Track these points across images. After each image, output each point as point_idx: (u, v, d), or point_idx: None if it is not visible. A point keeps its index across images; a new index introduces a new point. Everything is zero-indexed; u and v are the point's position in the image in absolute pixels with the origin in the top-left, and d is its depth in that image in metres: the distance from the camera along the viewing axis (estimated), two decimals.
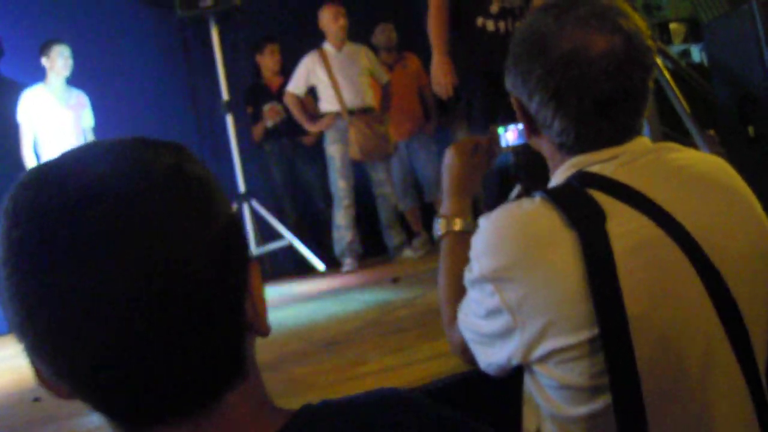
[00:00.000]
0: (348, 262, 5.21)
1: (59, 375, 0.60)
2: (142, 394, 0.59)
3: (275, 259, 5.77)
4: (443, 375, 1.79)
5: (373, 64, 5.47)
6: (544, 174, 1.42)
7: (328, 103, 5.29)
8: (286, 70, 5.61)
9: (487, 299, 1.07)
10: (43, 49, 4.86)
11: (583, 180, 1.08)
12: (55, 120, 4.87)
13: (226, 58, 5.55)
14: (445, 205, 1.43)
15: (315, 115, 5.39)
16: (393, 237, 5.45)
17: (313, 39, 5.40)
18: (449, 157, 1.44)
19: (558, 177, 1.16)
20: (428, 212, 6.02)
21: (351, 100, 5.23)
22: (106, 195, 0.58)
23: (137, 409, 0.60)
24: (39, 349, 0.60)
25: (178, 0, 5.25)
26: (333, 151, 5.25)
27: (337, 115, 5.24)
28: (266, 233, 5.45)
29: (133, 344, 0.57)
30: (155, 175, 0.61)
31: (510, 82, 1.19)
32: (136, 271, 0.57)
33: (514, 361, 1.07)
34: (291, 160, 5.82)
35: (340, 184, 5.21)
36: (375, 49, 5.86)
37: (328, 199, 5.47)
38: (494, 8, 3.81)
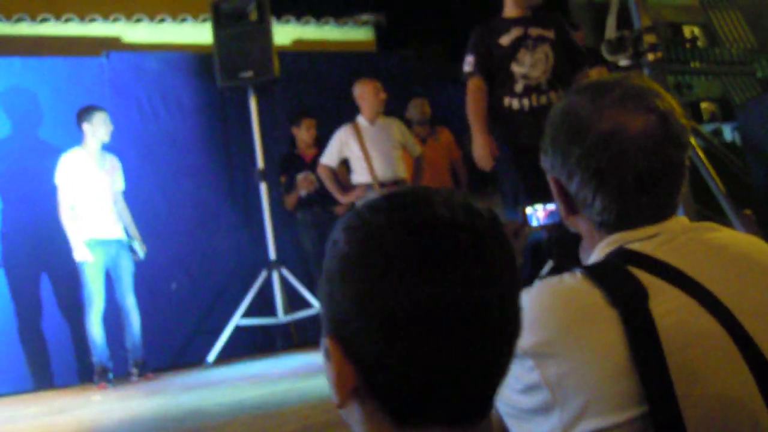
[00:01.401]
0: None
1: (390, 360, 0.68)
2: (454, 397, 0.69)
3: (303, 328, 5.75)
4: None
5: (406, 137, 5.54)
6: (576, 251, 1.42)
7: (360, 175, 5.34)
8: (321, 142, 5.71)
9: (526, 374, 1.04)
10: (84, 115, 5.00)
11: (624, 257, 1.08)
12: (92, 183, 4.97)
13: (263, 129, 5.68)
14: None
15: (347, 186, 5.45)
16: None
17: (347, 112, 5.51)
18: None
19: (597, 254, 1.15)
20: None
21: (383, 172, 5.28)
22: (470, 225, 0.70)
23: (439, 408, 0.70)
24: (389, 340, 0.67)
25: (219, 71, 5.42)
26: None
27: (368, 187, 5.28)
28: (295, 301, 5.45)
29: (471, 355, 0.69)
30: (490, 217, 0.74)
31: (548, 163, 1.20)
32: (491, 295, 0.69)
33: None
34: (322, 230, 5.85)
35: None
36: (408, 123, 5.95)
37: None
38: (518, 87, 4.00)
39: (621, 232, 1.13)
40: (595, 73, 3.90)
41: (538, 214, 1.48)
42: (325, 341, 0.72)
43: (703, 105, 9.23)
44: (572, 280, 1.07)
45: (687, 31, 9.93)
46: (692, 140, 3.01)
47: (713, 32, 9.95)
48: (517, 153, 4.02)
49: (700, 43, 10.05)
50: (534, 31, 4.05)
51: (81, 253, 4.83)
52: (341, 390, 0.71)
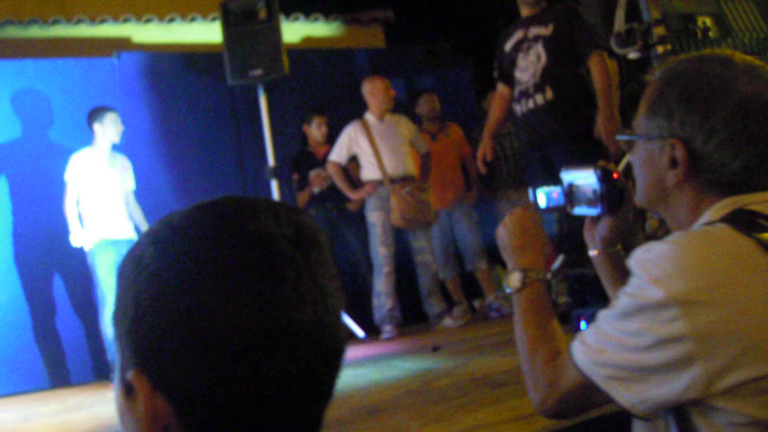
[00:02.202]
0: (387, 330, 5.19)
1: (210, 387, 0.61)
2: (278, 426, 0.64)
3: None
4: None
5: (413, 133, 5.55)
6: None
7: (370, 171, 5.36)
8: (332, 139, 5.73)
9: (662, 327, 1.01)
10: (95, 115, 5.03)
11: (748, 216, 1.09)
12: (103, 183, 5.01)
13: (273, 126, 5.69)
14: (516, 259, 1.40)
15: (357, 183, 5.46)
16: (433, 305, 5.42)
17: (356, 109, 5.52)
18: (515, 213, 1.45)
19: (708, 216, 1.15)
20: (469, 281, 6.00)
21: (393, 167, 5.30)
22: (298, 239, 0.66)
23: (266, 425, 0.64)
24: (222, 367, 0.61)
25: (229, 69, 5.43)
26: (374, 218, 5.30)
27: (378, 183, 5.30)
28: None
29: (302, 378, 0.63)
30: (315, 230, 0.69)
31: (663, 126, 1.17)
32: (322, 313, 0.64)
33: (690, 395, 1.01)
34: (335, 226, 5.88)
35: (380, 251, 5.24)
36: (418, 119, 5.96)
37: (369, 265, 5.49)
38: (516, 93, 4.20)
39: (737, 195, 1.14)
40: (595, 58, 3.89)
41: (552, 195, 1.48)
42: (127, 376, 0.63)
43: None
44: (720, 230, 1.07)
45: (699, 21, 9.87)
46: None
47: (725, 22, 9.90)
48: (527, 149, 4.33)
49: (711, 34, 9.99)
50: (532, 32, 4.08)
51: (77, 238, 4.86)
52: (153, 428, 0.62)
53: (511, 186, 6.00)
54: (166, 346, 0.61)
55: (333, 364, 0.67)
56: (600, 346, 1.09)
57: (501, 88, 4.38)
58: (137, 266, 0.64)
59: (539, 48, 4.03)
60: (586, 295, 5.65)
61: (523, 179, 6.08)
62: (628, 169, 1.33)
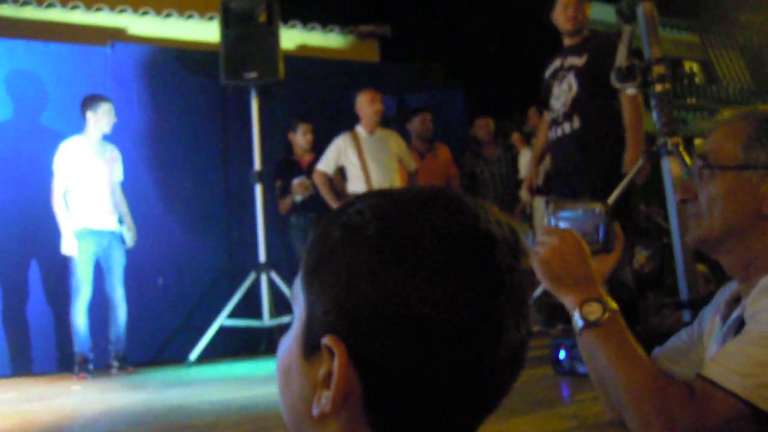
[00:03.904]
0: None
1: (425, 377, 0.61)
2: (452, 422, 0.65)
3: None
4: None
5: (403, 150, 5.56)
6: None
7: (355, 184, 5.35)
8: (318, 148, 5.71)
9: None
10: (89, 103, 4.97)
11: None
12: (89, 172, 4.94)
13: (262, 131, 5.67)
14: (585, 289, 1.28)
15: (342, 194, 5.45)
16: None
17: (347, 120, 5.52)
18: (568, 238, 1.33)
19: None
20: None
21: (379, 182, 5.30)
22: (512, 241, 0.66)
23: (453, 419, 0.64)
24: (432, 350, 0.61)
25: (223, 69, 5.40)
26: None
27: None
28: (281, 306, 5.43)
29: (490, 380, 0.65)
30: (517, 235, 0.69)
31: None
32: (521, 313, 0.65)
33: None
34: None
35: None
36: (407, 136, 5.97)
37: None
38: (550, 121, 4.22)
39: None
40: (627, 99, 3.88)
41: (553, 214, 1.46)
42: (324, 340, 0.61)
43: (697, 141, 9.33)
44: None
45: (687, 66, 10.04)
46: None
47: (712, 69, 10.08)
48: (555, 177, 4.39)
49: (697, 80, 10.17)
50: (568, 61, 4.11)
51: (68, 247, 4.79)
52: (338, 398, 0.61)
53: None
54: (376, 320, 0.61)
55: (514, 377, 0.67)
56: (757, 369, 1.08)
57: (545, 115, 4.43)
58: (356, 234, 0.64)
59: (571, 78, 4.05)
60: (555, 321, 5.68)
61: (510, 204, 6.10)
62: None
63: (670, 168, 3.28)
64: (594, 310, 1.25)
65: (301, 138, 5.95)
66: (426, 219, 0.64)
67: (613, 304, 1.26)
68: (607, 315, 1.24)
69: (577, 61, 4.06)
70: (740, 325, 1.19)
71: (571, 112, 4.02)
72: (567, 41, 4.18)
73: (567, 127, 4.04)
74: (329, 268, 0.64)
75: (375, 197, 0.67)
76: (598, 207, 1.39)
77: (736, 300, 1.28)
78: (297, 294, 0.67)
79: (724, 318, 1.28)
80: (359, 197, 0.68)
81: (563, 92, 4.07)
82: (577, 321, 1.26)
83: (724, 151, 1.25)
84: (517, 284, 0.65)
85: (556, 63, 4.18)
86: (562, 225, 1.41)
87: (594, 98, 3.98)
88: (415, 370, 0.61)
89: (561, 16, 4.12)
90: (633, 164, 3.74)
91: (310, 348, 0.63)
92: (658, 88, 3.34)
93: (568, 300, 1.30)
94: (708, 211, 1.25)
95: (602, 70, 3.92)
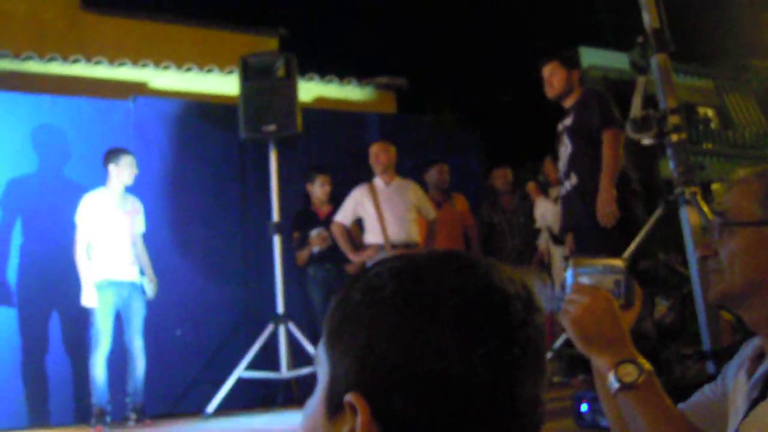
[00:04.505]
0: None
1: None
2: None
3: (306, 384, 5.67)
4: None
5: (421, 200, 5.57)
6: None
7: (372, 235, 5.36)
8: (336, 199, 5.74)
9: None
10: (111, 156, 5.06)
11: None
12: (112, 224, 5.00)
13: (280, 182, 5.71)
14: (619, 350, 1.30)
15: (360, 245, 5.45)
16: None
17: (364, 172, 5.56)
18: (601, 298, 1.34)
19: None
20: None
21: (395, 233, 5.30)
22: (526, 299, 0.68)
23: None
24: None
25: (243, 122, 5.48)
26: None
27: (380, 248, 5.29)
28: (299, 357, 5.40)
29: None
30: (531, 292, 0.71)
31: None
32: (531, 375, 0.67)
33: None
34: (332, 286, 5.83)
35: None
36: (425, 187, 5.99)
37: None
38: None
39: None
40: (606, 136, 3.99)
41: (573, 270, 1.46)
42: (346, 398, 0.64)
43: (714, 186, 9.30)
44: None
45: (701, 111, 10.07)
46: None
47: (727, 115, 10.09)
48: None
49: (713, 125, 10.18)
50: (564, 123, 4.34)
51: (88, 299, 4.81)
52: None
53: (515, 261, 5.99)
54: (395, 376, 0.63)
55: (535, 430, 0.68)
56: None
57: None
58: (375, 295, 0.66)
59: (566, 138, 4.24)
60: (576, 371, 5.61)
61: (527, 254, 6.09)
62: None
63: (688, 217, 3.28)
64: (629, 372, 1.27)
65: (318, 189, 5.99)
66: (440, 277, 0.66)
67: (648, 365, 1.27)
68: (642, 378, 1.26)
69: (568, 121, 4.25)
70: (767, 381, 1.18)
71: (568, 170, 4.21)
72: (564, 103, 4.34)
73: (568, 185, 4.24)
74: (350, 330, 0.67)
75: (392, 260, 0.70)
76: (617, 263, 1.41)
77: (760, 356, 1.28)
78: (320, 357, 0.70)
79: (749, 374, 1.26)
80: (378, 263, 0.71)
81: (563, 154, 4.27)
82: (613, 382, 1.27)
83: (741, 208, 1.26)
84: (532, 338, 0.66)
85: (559, 126, 4.34)
86: (583, 281, 1.42)
87: (586, 153, 4.11)
88: (434, 425, 0.62)
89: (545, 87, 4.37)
90: (603, 208, 3.84)
91: (334, 407, 0.66)
92: (674, 138, 3.36)
93: (601, 361, 1.31)
94: (729, 267, 1.26)
95: (586, 125, 4.06)
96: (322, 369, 0.69)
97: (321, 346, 0.70)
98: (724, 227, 1.27)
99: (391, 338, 0.64)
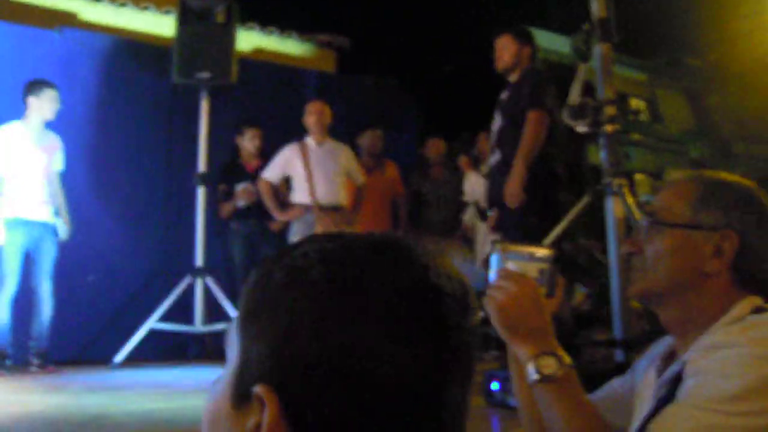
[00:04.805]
0: None
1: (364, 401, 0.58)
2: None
3: (219, 340, 5.58)
4: None
5: (351, 164, 5.51)
6: None
7: (300, 195, 5.29)
8: (265, 154, 5.62)
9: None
10: (33, 88, 4.80)
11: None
12: (26, 159, 4.76)
13: (209, 133, 5.56)
14: (540, 342, 1.28)
15: (286, 204, 5.37)
16: None
17: (297, 129, 5.45)
18: (526, 286, 1.32)
19: (738, 311, 1.20)
20: None
21: (323, 195, 5.24)
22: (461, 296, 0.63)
23: None
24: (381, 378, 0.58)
25: (176, 67, 5.29)
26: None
27: (307, 208, 5.23)
28: (214, 313, 5.31)
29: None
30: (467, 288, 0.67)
31: (734, 218, 1.24)
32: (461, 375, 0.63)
33: None
34: (254, 243, 5.75)
35: None
36: (357, 150, 5.93)
37: None
38: None
39: (754, 296, 1.22)
40: (530, 117, 4.00)
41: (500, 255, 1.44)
42: (254, 389, 0.58)
43: (638, 176, 9.55)
44: None
45: (633, 103, 10.30)
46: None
47: (657, 109, 10.36)
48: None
49: (643, 117, 10.44)
50: (500, 98, 4.26)
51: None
52: None
53: (440, 233, 6.02)
54: (313, 372, 0.57)
55: None
56: None
57: None
58: (299, 277, 0.60)
59: (497, 112, 4.24)
60: (488, 347, 5.71)
61: (452, 228, 6.11)
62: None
63: (613, 208, 3.33)
64: (550, 364, 1.26)
65: (248, 143, 5.86)
66: (374, 268, 0.60)
67: (568, 359, 1.27)
68: (562, 371, 1.26)
69: (504, 96, 4.26)
70: (677, 380, 1.19)
71: (495, 144, 4.22)
72: (509, 78, 4.33)
73: (493, 160, 4.24)
74: (267, 312, 0.60)
75: (323, 240, 0.63)
76: (544, 252, 1.40)
77: (671, 355, 1.30)
78: (232, 337, 0.63)
79: (660, 372, 1.28)
80: (307, 240, 0.64)
81: (494, 126, 4.26)
82: (532, 373, 1.27)
83: (672, 209, 1.28)
84: (464, 343, 0.62)
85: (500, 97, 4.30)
86: (509, 267, 1.40)
87: (513, 131, 4.10)
88: (349, 428, 0.57)
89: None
90: (511, 191, 3.89)
91: (241, 396, 0.60)
92: (609, 128, 3.39)
93: (522, 350, 1.30)
94: (653, 266, 1.27)
95: (515, 105, 4.09)
96: (232, 351, 0.63)
97: (234, 324, 0.64)
98: (652, 226, 1.29)
99: (311, 329, 0.58)
